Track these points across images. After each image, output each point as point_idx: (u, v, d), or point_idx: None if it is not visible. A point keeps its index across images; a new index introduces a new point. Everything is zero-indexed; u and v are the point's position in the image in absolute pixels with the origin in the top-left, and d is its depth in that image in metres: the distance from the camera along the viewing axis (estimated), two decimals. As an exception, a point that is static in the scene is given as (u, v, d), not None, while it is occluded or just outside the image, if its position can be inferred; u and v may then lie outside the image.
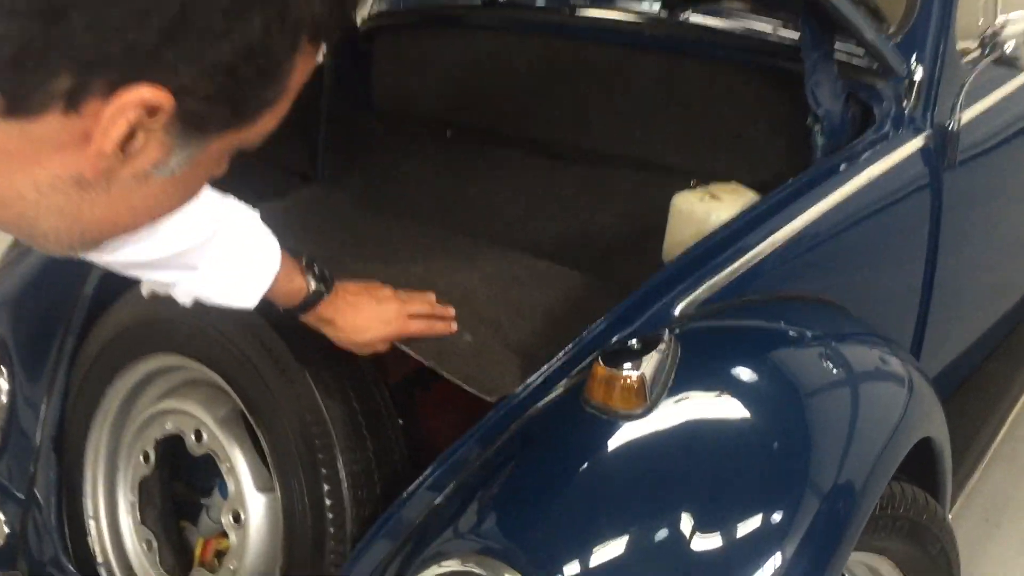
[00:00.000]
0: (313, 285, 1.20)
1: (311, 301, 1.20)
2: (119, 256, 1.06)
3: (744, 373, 1.17)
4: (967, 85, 1.53)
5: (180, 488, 1.48)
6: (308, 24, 0.68)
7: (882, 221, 1.50)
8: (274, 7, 0.65)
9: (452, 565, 1.02)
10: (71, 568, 1.39)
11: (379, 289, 1.28)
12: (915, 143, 1.51)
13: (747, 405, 1.14)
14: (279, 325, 1.25)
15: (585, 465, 1.09)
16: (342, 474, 1.21)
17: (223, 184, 1.77)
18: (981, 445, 1.77)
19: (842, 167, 1.43)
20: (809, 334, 1.27)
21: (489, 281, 1.47)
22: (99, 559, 1.43)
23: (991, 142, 1.70)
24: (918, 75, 1.50)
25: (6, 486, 1.51)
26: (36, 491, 1.46)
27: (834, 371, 1.21)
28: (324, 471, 1.21)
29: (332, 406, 1.24)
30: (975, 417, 1.81)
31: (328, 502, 1.19)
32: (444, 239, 1.64)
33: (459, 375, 1.22)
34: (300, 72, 0.71)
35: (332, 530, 1.19)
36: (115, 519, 1.44)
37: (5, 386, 1.52)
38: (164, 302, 1.18)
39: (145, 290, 1.21)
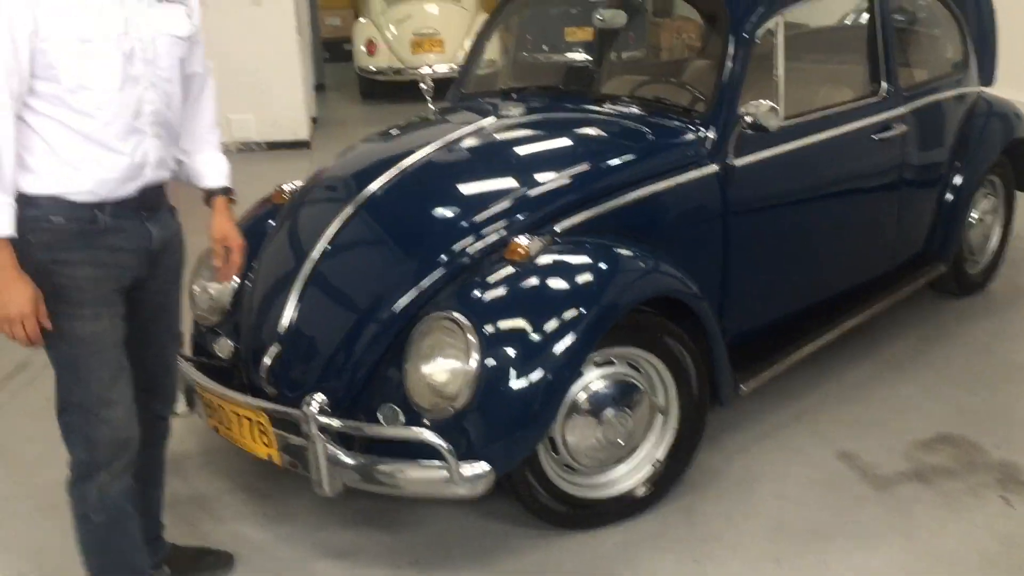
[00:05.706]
0: None
1: None
2: None
3: (579, 254, 2.55)
4: (733, 141, 2.89)
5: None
6: None
7: (693, 208, 2.87)
8: None
9: (440, 315, 2.42)
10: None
11: None
12: (711, 168, 2.89)
13: (574, 267, 2.52)
14: None
15: (504, 285, 2.48)
16: None
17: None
18: (781, 357, 3.04)
19: (670, 175, 2.82)
20: (624, 251, 2.63)
21: None
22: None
23: (758, 177, 3.03)
24: (711, 135, 2.89)
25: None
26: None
27: (622, 261, 2.59)
28: None
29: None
30: (771, 349, 3.08)
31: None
32: None
33: None
34: None
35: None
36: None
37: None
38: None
39: None
